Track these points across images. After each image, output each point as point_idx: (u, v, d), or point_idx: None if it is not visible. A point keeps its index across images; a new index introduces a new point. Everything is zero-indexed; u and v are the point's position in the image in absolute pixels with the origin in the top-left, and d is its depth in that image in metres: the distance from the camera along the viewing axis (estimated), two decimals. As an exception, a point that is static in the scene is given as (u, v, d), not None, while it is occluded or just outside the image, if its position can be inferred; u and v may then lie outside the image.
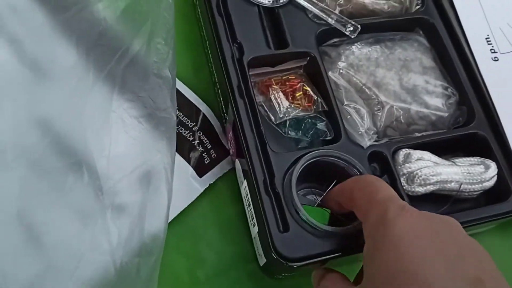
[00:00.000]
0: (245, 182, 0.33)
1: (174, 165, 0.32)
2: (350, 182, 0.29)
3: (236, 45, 0.36)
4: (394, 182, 0.33)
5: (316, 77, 0.37)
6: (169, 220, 0.32)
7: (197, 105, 0.37)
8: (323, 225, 0.30)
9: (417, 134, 0.36)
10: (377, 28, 0.39)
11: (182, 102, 0.37)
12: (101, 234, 0.28)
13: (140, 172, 0.30)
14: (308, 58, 0.37)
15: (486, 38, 0.43)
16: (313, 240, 0.30)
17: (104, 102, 0.31)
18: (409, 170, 0.33)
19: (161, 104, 0.33)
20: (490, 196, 0.35)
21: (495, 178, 0.34)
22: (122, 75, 0.33)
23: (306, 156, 0.32)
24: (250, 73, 0.36)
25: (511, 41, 0.43)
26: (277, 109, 0.35)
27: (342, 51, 0.38)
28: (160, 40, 0.34)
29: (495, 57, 0.43)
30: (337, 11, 0.39)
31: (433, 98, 0.37)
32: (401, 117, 0.36)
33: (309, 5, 0.38)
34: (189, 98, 0.37)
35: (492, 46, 0.43)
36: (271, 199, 0.31)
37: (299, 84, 0.36)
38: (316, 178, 0.34)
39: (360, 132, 0.34)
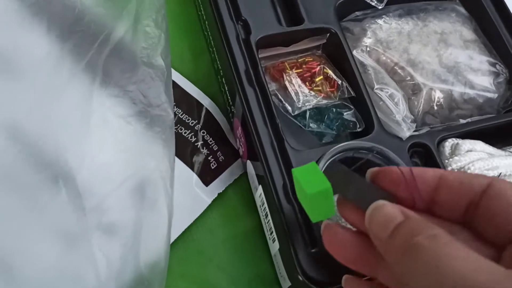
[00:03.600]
0: (260, 188, 0.27)
1: (174, 172, 0.26)
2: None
3: (241, 23, 0.30)
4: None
5: (338, 57, 0.31)
6: (172, 241, 0.27)
7: (199, 99, 0.31)
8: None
9: (462, 121, 0.30)
10: (406, -3, 0.33)
11: (180, 96, 0.31)
12: (86, 264, 0.22)
13: (132, 184, 0.25)
14: (328, 35, 0.31)
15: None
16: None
17: (82, 100, 0.26)
18: (459, 164, 0.27)
19: (154, 99, 0.27)
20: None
21: None
22: (104, 66, 0.27)
23: (331, 150, 0.26)
24: (259, 56, 0.30)
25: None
26: (294, 97, 0.29)
27: (367, 25, 0.32)
28: (148, 21, 0.29)
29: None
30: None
31: (479, 76, 0.31)
32: (442, 100, 0.30)
33: (325, -28, 0.32)
34: (188, 91, 0.31)
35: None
36: (293, 208, 0.25)
37: (319, 66, 0.30)
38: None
39: (396, 121, 0.28)
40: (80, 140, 0.25)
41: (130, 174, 0.25)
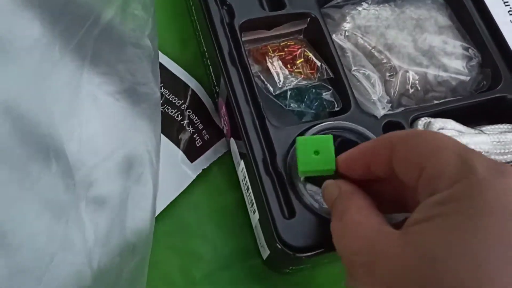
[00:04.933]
0: (242, 163, 0.28)
1: (159, 148, 0.27)
2: (387, 139, 0.21)
3: (226, 7, 0.31)
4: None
5: (318, 41, 0.32)
6: (157, 213, 0.28)
7: (185, 81, 0.32)
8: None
9: (436, 102, 0.32)
10: (384, -15, 0.35)
11: (167, 78, 0.32)
12: (74, 231, 0.23)
13: (119, 156, 0.26)
14: (308, 19, 0.32)
15: (504, 1, 0.39)
16: (325, 225, 0.25)
17: (72, 78, 0.27)
18: (431, 141, 0.29)
19: (141, 77, 0.28)
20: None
21: (530, 146, 0.30)
22: (94, 46, 0.28)
23: (312, 129, 0.27)
24: (243, 39, 0.31)
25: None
26: (276, 78, 0.30)
27: (347, 11, 0.33)
28: (136, 5, 0.30)
29: (512, 20, 0.38)
30: (338, -34, 0.34)
31: (453, 60, 0.33)
32: (417, 83, 0.32)
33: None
34: (176, 73, 0.33)
35: (510, 8, 0.39)
36: (272, 181, 0.26)
37: (299, 50, 0.31)
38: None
39: (372, 100, 0.30)
40: (69, 115, 0.26)
41: (117, 147, 0.26)
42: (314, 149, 0.24)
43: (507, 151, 0.29)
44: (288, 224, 0.25)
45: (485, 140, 0.29)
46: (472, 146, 0.29)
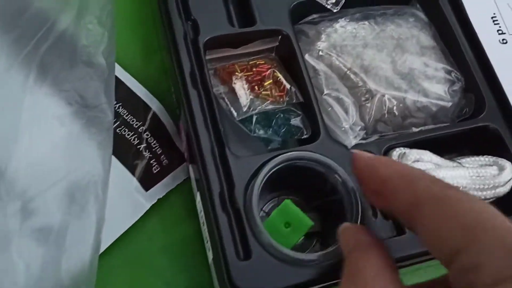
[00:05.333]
0: (198, 195, 0.26)
1: (108, 177, 0.25)
2: (412, 190, 0.17)
3: (191, 23, 0.29)
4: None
5: (289, 61, 0.30)
6: (107, 245, 0.26)
7: (146, 101, 0.30)
8: (289, 251, 0.23)
9: (415, 129, 0.30)
10: (365, 0, 0.33)
11: (126, 97, 0.30)
12: (3, 272, 0.21)
13: (60, 187, 0.24)
14: (279, 37, 0.30)
15: (493, 18, 0.37)
16: (284, 268, 0.23)
17: (14, 98, 0.25)
18: (405, 174, 0.27)
19: (91, 99, 0.26)
20: (505, 204, 0.28)
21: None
22: (41, 63, 0.26)
23: (273, 160, 0.25)
24: (210, 57, 0.29)
25: (523, 18, 0.37)
26: (240, 101, 0.28)
27: (322, 29, 0.31)
28: (91, 18, 0.28)
29: (503, 39, 0.36)
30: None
31: (434, 84, 0.31)
32: (395, 108, 0.30)
33: (280, -27, 0.31)
34: (136, 92, 0.30)
35: (500, 27, 0.37)
36: (229, 218, 0.24)
37: (269, 70, 0.29)
38: (295, 183, 0.27)
39: (343, 128, 0.28)
40: (8, 139, 0.24)
41: (60, 177, 0.24)
42: (282, 223, 0.24)
43: (486, 186, 0.27)
44: (243, 266, 0.23)
45: (463, 174, 0.27)
46: (449, 180, 0.27)
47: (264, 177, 0.25)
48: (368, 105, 0.29)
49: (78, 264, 0.22)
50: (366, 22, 0.32)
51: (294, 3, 0.31)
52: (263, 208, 0.27)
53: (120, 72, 0.31)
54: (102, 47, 0.27)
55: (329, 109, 0.28)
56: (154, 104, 0.30)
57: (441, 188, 0.17)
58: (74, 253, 0.22)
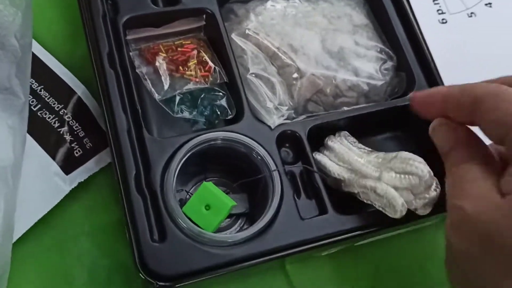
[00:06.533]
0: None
1: (21, 161, 0.24)
2: (471, 91, 0.21)
3: (110, 2, 0.28)
4: (309, 173, 0.26)
5: (216, 41, 0.29)
6: (25, 231, 0.25)
7: (70, 84, 0.29)
8: (206, 233, 0.23)
9: (346, 108, 0.30)
10: (298, -21, 0.32)
11: (49, 79, 0.29)
12: None
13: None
14: (204, 16, 0.29)
15: None
16: (202, 250, 0.23)
17: None
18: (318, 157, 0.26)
19: (1, 81, 0.25)
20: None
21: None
22: None
23: (187, 144, 0.24)
24: (135, 37, 0.28)
25: (463, -4, 0.36)
26: (163, 82, 0.27)
27: (252, 8, 0.31)
28: (2, -2, 0.26)
29: (442, 19, 0.36)
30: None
31: (365, 63, 0.30)
32: (325, 87, 0.29)
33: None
34: (59, 75, 0.29)
35: (440, 6, 0.37)
36: (144, 200, 0.24)
37: (194, 50, 0.28)
38: (221, 164, 0.27)
39: (268, 108, 0.27)
40: None
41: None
42: (203, 206, 0.24)
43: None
44: (156, 248, 0.23)
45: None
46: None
47: (181, 159, 0.24)
48: (298, 84, 0.29)
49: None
50: (297, 0, 0.31)
51: (221, -20, 0.30)
52: (191, 191, 0.27)
53: (43, 55, 0.30)
54: (14, 28, 0.26)
55: (254, 89, 0.28)
56: (79, 87, 0.29)
57: (497, 87, 0.20)
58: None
